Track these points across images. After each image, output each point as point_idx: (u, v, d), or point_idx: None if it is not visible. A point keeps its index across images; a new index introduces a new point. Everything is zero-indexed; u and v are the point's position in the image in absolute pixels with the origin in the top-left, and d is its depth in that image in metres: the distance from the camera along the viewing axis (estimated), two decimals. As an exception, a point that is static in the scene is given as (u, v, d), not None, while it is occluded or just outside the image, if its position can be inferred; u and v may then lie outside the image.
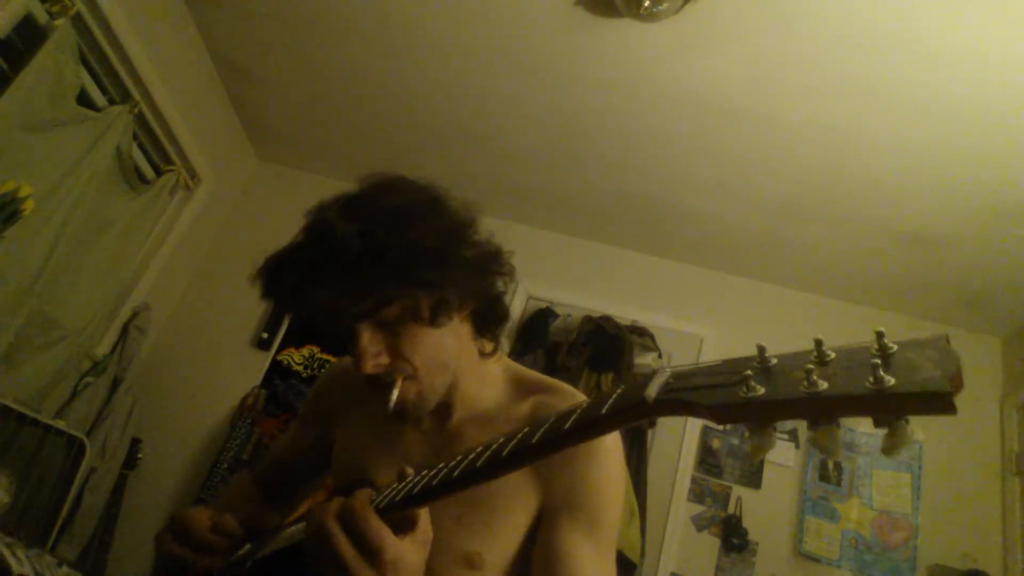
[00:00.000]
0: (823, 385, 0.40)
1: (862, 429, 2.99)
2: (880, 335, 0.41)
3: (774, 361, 0.45)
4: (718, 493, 2.94)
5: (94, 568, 2.63)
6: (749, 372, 0.44)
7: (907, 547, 2.76)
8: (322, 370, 3.17)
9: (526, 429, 0.59)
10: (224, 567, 0.86)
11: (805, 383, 0.40)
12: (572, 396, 0.91)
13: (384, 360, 0.80)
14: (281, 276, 0.82)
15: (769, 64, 2.14)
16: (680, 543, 2.87)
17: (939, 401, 0.36)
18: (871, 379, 0.38)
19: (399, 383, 0.81)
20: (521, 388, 0.94)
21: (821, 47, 2.03)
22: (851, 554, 2.77)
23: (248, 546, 0.88)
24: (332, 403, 1.07)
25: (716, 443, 3.02)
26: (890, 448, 0.39)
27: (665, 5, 1.94)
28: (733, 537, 2.82)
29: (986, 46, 1.89)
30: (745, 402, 0.43)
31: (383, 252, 0.76)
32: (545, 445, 0.56)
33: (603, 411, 0.52)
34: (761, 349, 0.45)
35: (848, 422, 2.99)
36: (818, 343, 0.43)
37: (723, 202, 2.89)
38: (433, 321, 0.81)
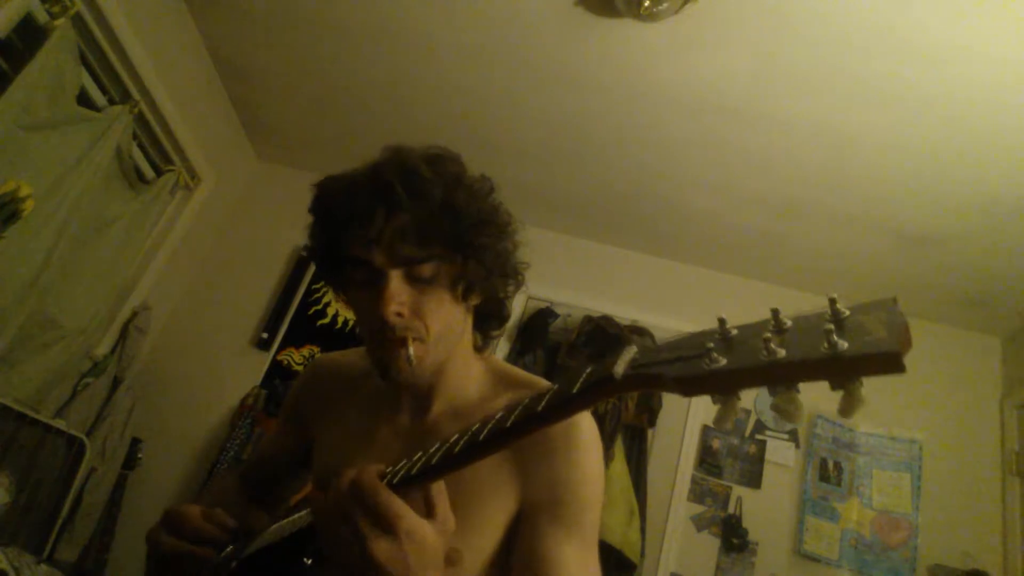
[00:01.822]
0: (781, 353, 0.41)
1: (862, 429, 2.99)
2: (833, 301, 0.42)
3: (734, 332, 0.47)
4: (718, 493, 2.94)
5: (94, 568, 2.63)
6: (711, 344, 0.45)
7: (907, 547, 2.76)
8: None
9: (501, 413, 0.60)
10: (215, 563, 0.86)
11: (764, 352, 0.42)
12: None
13: (405, 312, 0.80)
14: (348, 192, 0.82)
15: (769, 64, 2.14)
16: (680, 543, 2.87)
17: (890, 361, 0.38)
18: (825, 344, 0.40)
19: (411, 341, 0.80)
20: (500, 383, 0.94)
21: (821, 46, 2.03)
22: (851, 554, 2.77)
23: (229, 549, 0.88)
24: (312, 401, 1.06)
25: (716, 443, 3.02)
26: (847, 409, 0.41)
27: (665, 5, 1.94)
28: (733, 537, 2.82)
29: (986, 46, 1.89)
30: (708, 373, 0.44)
31: (459, 211, 0.79)
32: (520, 426, 0.57)
33: (575, 390, 0.54)
34: (722, 321, 0.47)
35: (847, 421, 2.99)
36: (775, 312, 0.45)
37: (723, 202, 2.89)
38: (463, 295, 0.83)
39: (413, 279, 0.80)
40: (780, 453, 3.00)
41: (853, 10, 1.89)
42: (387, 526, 0.60)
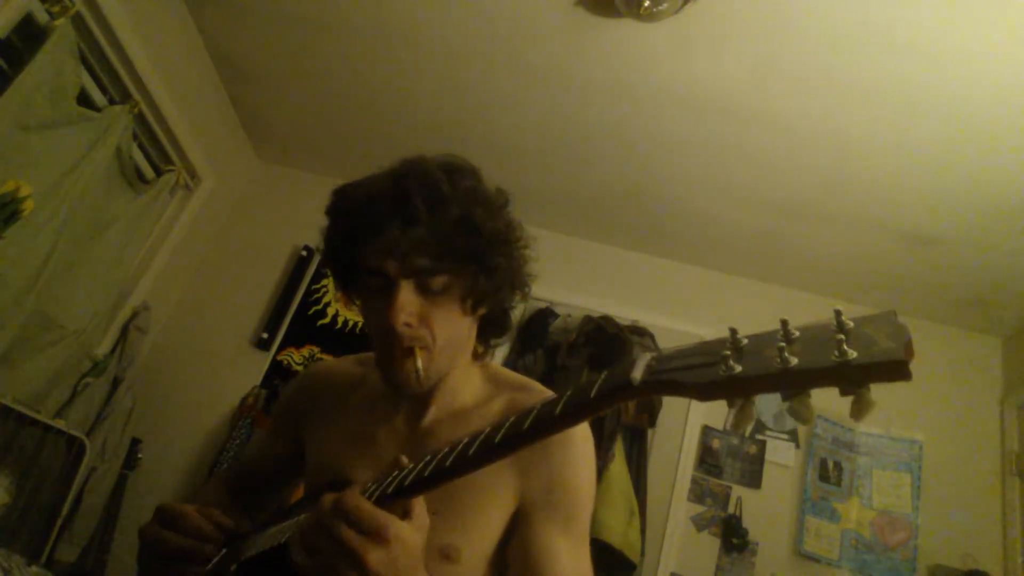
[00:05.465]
0: (794, 360, 0.44)
1: (862, 429, 2.99)
2: (838, 313, 0.44)
3: (745, 341, 0.49)
4: (718, 493, 2.94)
5: (94, 568, 2.62)
6: (727, 352, 0.47)
7: (907, 547, 2.76)
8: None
9: (514, 417, 0.61)
10: (211, 565, 0.86)
11: (778, 359, 0.44)
12: (544, 394, 0.94)
13: (413, 321, 0.81)
14: (367, 201, 0.83)
15: (769, 64, 2.14)
16: (680, 543, 2.86)
17: (898, 368, 0.41)
18: (836, 352, 0.42)
19: (418, 351, 0.82)
20: (495, 386, 0.96)
21: (821, 47, 2.03)
22: (851, 554, 2.77)
23: (225, 551, 0.88)
24: (305, 408, 1.07)
25: (716, 443, 3.02)
26: (857, 412, 0.43)
27: (665, 5, 1.94)
28: (733, 537, 2.82)
29: (986, 46, 1.89)
30: (726, 379, 0.46)
31: (477, 227, 0.81)
32: (537, 429, 0.58)
33: (592, 394, 0.55)
34: (733, 331, 0.49)
35: (846, 422, 2.99)
36: (784, 323, 0.47)
37: (723, 202, 2.89)
38: (473, 307, 0.84)
39: (424, 289, 0.82)
40: (780, 453, 3.00)
41: (853, 10, 1.89)
42: (378, 537, 0.62)
